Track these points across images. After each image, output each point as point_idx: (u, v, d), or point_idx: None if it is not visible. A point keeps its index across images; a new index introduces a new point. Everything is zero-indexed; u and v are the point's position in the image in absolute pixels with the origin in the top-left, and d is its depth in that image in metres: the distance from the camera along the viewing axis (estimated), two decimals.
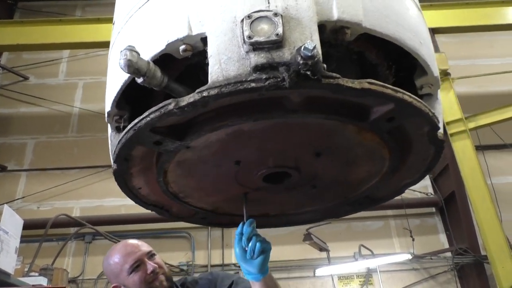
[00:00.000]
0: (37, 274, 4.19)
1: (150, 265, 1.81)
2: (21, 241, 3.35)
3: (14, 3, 7.75)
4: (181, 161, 1.26)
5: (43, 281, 3.89)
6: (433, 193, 6.42)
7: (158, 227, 5.85)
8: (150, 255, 1.86)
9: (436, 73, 1.20)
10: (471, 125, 5.61)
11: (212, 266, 5.84)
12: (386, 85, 0.98)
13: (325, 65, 0.92)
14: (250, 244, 1.43)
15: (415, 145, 1.26)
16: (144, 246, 1.89)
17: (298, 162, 1.32)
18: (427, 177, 6.54)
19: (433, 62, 1.19)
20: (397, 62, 1.24)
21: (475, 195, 5.30)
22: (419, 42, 1.12)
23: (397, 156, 1.28)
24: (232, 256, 5.71)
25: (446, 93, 5.73)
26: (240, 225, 1.48)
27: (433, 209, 6.42)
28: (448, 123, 5.65)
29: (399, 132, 1.19)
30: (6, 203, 5.17)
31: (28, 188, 6.25)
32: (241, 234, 1.46)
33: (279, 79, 0.90)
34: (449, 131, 5.62)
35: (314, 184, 1.45)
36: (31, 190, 6.16)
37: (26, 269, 4.18)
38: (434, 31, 6.37)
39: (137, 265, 1.80)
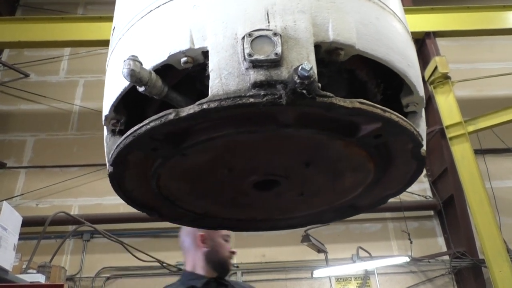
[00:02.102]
0: (35, 271, 4.20)
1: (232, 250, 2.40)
2: (19, 238, 3.36)
3: (16, 0, 7.77)
4: (174, 166, 1.29)
5: (41, 278, 3.89)
6: (431, 196, 6.43)
7: (157, 226, 5.85)
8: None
9: (422, 93, 1.26)
10: (470, 128, 5.59)
11: None
12: (376, 105, 1.03)
13: (319, 84, 0.95)
14: None
15: (399, 160, 1.32)
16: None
17: (288, 171, 1.37)
18: (426, 180, 6.56)
19: (419, 83, 1.26)
20: (386, 81, 1.30)
21: (473, 199, 5.29)
22: (407, 64, 1.19)
23: (381, 169, 1.34)
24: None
25: (445, 97, 5.74)
26: None
27: (432, 212, 6.44)
28: (447, 127, 5.66)
29: (384, 147, 1.25)
30: (5, 200, 5.19)
31: (27, 185, 6.25)
32: None
33: (276, 96, 0.94)
34: (448, 135, 5.62)
35: (301, 191, 1.51)
36: (30, 187, 6.17)
37: (24, 266, 4.18)
38: (435, 35, 6.40)
39: (227, 239, 2.40)
